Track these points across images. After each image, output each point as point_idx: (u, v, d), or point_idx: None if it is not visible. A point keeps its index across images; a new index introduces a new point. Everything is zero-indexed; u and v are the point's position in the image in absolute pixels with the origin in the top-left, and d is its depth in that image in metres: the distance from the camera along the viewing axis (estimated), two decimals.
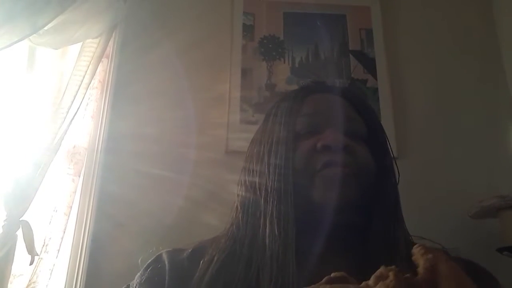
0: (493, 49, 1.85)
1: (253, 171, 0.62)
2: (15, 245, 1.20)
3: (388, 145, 0.65)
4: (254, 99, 1.65)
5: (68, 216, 1.34)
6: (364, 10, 1.84)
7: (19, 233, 1.22)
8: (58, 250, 1.29)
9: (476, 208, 1.43)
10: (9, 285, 1.18)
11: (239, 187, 0.63)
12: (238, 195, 0.63)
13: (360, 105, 0.65)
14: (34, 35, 1.37)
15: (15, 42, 1.35)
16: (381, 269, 0.30)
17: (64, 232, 1.32)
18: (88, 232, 1.39)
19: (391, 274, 0.28)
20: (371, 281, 0.29)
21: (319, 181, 0.55)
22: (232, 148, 1.53)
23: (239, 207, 0.61)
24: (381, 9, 1.84)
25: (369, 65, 1.74)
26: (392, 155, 0.65)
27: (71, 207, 1.35)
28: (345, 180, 0.55)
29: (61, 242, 1.30)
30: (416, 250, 0.32)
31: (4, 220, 1.22)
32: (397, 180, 0.63)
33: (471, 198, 1.45)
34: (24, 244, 1.21)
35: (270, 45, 1.74)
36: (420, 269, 0.30)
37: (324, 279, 0.31)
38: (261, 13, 1.80)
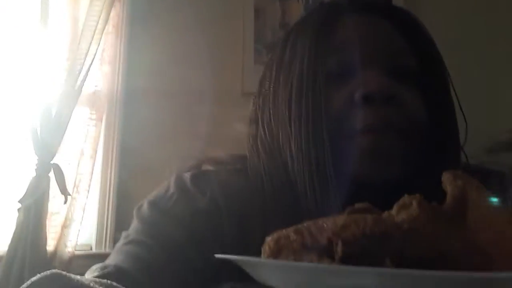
0: None
1: (268, 128, 0.49)
2: (49, 186, 1.30)
3: (451, 86, 0.49)
4: (268, 39, 1.63)
5: (94, 159, 1.42)
6: None
7: (51, 175, 1.31)
8: (88, 190, 1.39)
9: (492, 143, 1.44)
10: (47, 222, 1.29)
11: (252, 145, 0.51)
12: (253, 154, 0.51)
13: (410, 27, 0.49)
14: None
15: None
16: (404, 198, 0.27)
17: (92, 173, 1.41)
18: (114, 173, 1.48)
19: (414, 202, 0.26)
20: (393, 211, 0.27)
21: (357, 149, 0.43)
22: (248, 90, 1.55)
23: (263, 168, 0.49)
24: None
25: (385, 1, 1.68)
26: (455, 99, 0.49)
27: (96, 150, 1.43)
28: (391, 151, 0.43)
29: (90, 183, 1.39)
30: (445, 177, 0.29)
31: (36, 164, 1.30)
32: (465, 138, 0.50)
33: (488, 134, 1.45)
34: (57, 185, 1.30)
35: None
36: (448, 197, 0.28)
37: (346, 210, 0.29)
38: None
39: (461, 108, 0.50)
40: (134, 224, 0.48)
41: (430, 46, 0.50)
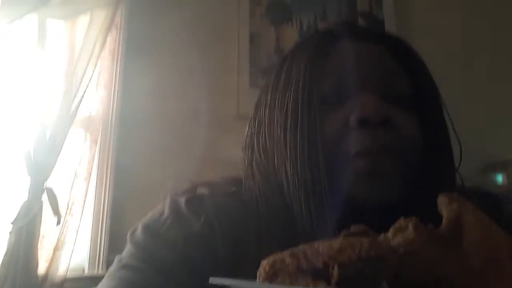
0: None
1: (263, 151, 0.49)
2: (42, 209, 1.29)
3: (444, 109, 0.50)
4: (263, 63, 1.66)
5: (88, 181, 1.41)
6: None
7: (44, 198, 1.30)
8: (81, 213, 1.37)
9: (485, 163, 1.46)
10: (39, 244, 1.27)
11: (247, 168, 0.51)
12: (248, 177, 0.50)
13: (403, 53, 0.50)
14: (43, 7, 1.40)
15: (25, 14, 1.38)
16: (400, 221, 0.27)
17: (86, 196, 1.39)
18: (108, 195, 1.46)
19: (410, 225, 0.26)
20: (389, 234, 0.27)
21: (353, 172, 0.43)
22: (244, 113, 1.56)
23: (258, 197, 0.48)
24: None
25: (378, 27, 1.72)
26: (449, 123, 0.50)
27: (90, 173, 1.42)
28: (387, 174, 0.43)
29: (83, 205, 1.38)
30: (440, 200, 0.29)
31: (29, 186, 1.29)
32: (459, 162, 0.50)
33: (482, 153, 1.47)
34: (50, 208, 1.29)
35: (278, 9, 1.73)
36: (444, 220, 0.28)
37: (342, 233, 0.29)
38: None
39: (454, 131, 0.51)
40: (128, 249, 0.48)
41: (423, 70, 0.51)
